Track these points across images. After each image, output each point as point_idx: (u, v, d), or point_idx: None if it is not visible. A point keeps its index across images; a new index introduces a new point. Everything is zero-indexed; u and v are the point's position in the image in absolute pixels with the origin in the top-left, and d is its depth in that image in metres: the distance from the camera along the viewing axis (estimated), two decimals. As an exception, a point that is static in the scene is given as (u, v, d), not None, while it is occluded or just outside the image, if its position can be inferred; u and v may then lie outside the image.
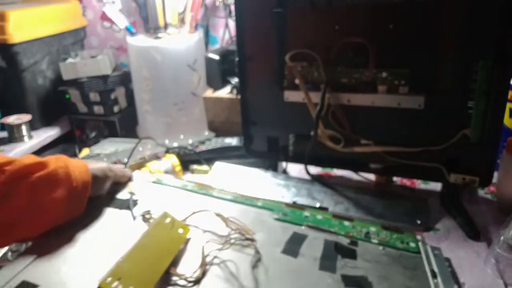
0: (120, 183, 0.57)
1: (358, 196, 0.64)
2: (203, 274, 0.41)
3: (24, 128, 1.28)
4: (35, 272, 0.40)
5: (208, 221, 0.49)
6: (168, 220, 0.45)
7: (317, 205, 0.62)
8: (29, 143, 1.28)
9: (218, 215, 0.48)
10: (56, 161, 0.47)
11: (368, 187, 0.70)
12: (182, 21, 1.29)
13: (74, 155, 0.80)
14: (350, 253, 0.46)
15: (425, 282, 0.42)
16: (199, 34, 1.29)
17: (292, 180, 0.70)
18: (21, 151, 1.23)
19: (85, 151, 0.83)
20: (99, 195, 0.53)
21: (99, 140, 1.19)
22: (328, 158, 0.67)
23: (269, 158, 0.74)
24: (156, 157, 0.76)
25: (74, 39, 1.54)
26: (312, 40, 0.62)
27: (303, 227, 0.50)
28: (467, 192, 0.67)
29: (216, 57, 0.95)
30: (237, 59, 0.68)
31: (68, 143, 1.50)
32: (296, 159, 0.71)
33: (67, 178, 0.46)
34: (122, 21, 1.34)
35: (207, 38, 1.48)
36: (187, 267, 0.41)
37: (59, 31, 1.44)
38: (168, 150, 0.78)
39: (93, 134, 1.49)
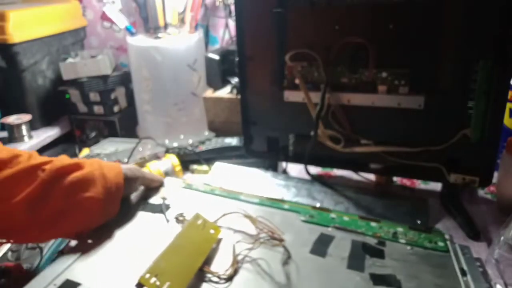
0: (151, 188, 0.58)
1: (358, 196, 0.64)
2: (235, 271, 0.43)
3: (24, 128, 1.28)
4: (78, 271, 0.42)
5: (238, 222, 0.50)
6: (200, 221, 0.47)
7: (317, 205, 0.62)
8: (29, 143, 1.28)
9: (247, 216, 0.49)
10: (90, 163, 0.49)
11: (368, 187, 0.70)
12: (182, 21, 1.29)
13: (74, 155, 0.80)
14: (378, 253, 0.47)
15: (455, 280, 0.43)
16: (199, 34, 1.29)
17: (292, 180, 0.70)
18: (21, 151, 1.23)
19: (85, 151, 0.83)
20: (129, 197, 0.55)
21: (99, 140, 1.19)
22: (328, 158, 0.67)
23: (269, 158, 0.74)
24: (156, 157, 0.76)
25: (74, 39, 1.54)
26: (312, 40, 0.62)
27: (329, 229, 0.51)
28: (467, 192, 0.67)
29: (216, 57, 0.95)
30: (237, 59, 0.68)
31: (68, 143, 1.49)
32: (296, 159, 0.71)
33: (102, 179, 0.47)
34: (122, 21, 1.34)
35: (207, 38, 1.48)
36: (220, 265, 0.43)
37: (59, 31, 1.43)
38: (168, 150, 0.78)
39: (93, 134, 1.48)
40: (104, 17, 1.61)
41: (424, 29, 0.56)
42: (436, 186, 0.69)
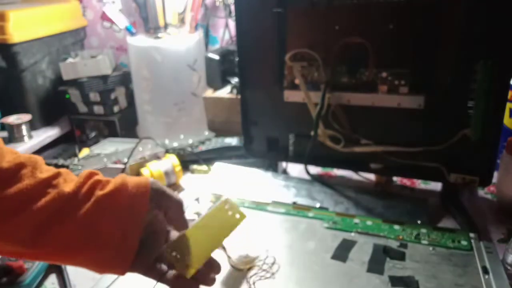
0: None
1: (358, 196, 0.64)
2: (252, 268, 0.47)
3: (24, 128, 1.28)
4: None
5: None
6: (227, 205, 0.49)
7: (317, 205, 0.62)
8: (29, 143, 1.28)
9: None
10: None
11: (368, 187, 0.70)
12: (182, 21, 1.29)
13: (74, 155, 0.80)
14: (398, 255, 0.48)
15: (476, 278, 0.43)
16: (199, 34, 1.29)
17: (292, 180, 0.70)
18: (21, 151, 1.23)
19: (85, 151, 0.83)
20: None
21: (99, 140, 1.19)
22: (328, 158, 0.67)
23: (269, 158, 0.74)
24: (156, 157, 0.76)
25: (74, 39, 1.54)
26: (312, 40, 0.62)
27: (352, 234, 0.52)
28: (467, 192, 0.67)
29: (216, 57, 0.95)
30: (237, 59, 0.68)
31: (68, 143, 1.50)
32: (296, 159, 0.71)
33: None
34: (122, 21, 1.34)
35: (207, 38, 1.48)
36: (242, 251, 0.48)
37: (59, 31, 1.44)
38: (168, 150, 0.78)
39: (93, 134, 1.49)
40: (104, 17, 1.61)
41: (424, 29, 0.56)
42: (436, 186, 0.69)
